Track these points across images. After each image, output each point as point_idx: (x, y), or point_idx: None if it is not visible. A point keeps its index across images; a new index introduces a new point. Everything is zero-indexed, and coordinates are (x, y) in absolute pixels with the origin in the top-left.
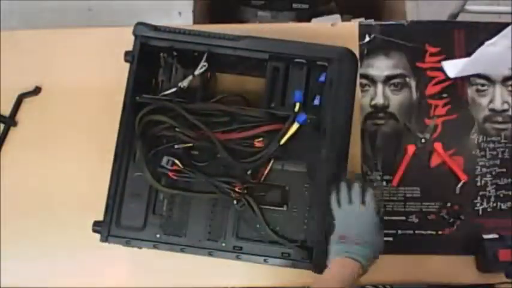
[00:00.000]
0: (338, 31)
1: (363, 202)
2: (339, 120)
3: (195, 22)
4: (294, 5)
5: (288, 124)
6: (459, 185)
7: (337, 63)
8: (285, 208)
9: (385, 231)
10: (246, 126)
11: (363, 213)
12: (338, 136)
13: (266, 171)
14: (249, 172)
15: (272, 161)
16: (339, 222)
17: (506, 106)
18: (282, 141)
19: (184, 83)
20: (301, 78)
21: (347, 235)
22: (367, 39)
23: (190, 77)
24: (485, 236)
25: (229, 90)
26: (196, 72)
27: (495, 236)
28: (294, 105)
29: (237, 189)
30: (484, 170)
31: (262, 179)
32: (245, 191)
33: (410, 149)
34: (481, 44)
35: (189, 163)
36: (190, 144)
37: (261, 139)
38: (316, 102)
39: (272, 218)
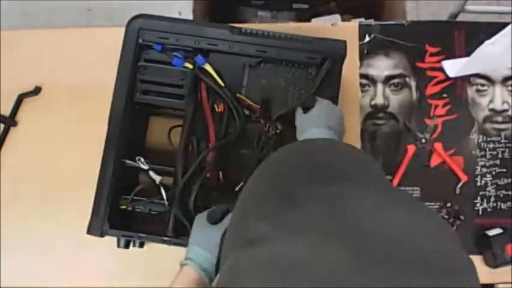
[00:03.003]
0: (338, 31)
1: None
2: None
3: None
4: (294, 5)
5: None
6: (459, 185)
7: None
8: None
9: None
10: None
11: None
12: None
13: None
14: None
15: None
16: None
17: (506, 106)
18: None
19: None
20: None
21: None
22: (367, 39)
23: None
24: (490, 233)
25: None
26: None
27: (499, 231)
28: None
29: None
30: (484, 170)
31: None
32: None
33: (410, 149)
34: (481, 43)
35: None
36: None
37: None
38: None
39: None
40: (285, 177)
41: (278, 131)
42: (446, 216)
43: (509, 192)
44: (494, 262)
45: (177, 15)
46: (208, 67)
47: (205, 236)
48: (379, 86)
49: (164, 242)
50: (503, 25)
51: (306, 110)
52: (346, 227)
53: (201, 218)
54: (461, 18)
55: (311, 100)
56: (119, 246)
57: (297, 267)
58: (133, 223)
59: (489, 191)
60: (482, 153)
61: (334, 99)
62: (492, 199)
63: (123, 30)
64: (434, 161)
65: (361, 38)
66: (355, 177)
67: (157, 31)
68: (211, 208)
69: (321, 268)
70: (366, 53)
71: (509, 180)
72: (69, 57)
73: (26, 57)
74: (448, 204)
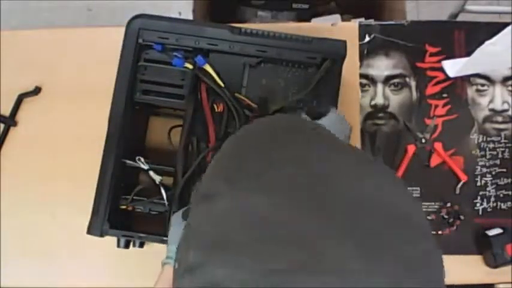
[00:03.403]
0: (338, 31)
1: None
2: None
3: None
4: (294, 5)
5: None
6: (459, 185)
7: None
8: None
9: None
10: None
11: None
12: None
13: None
14: None
15: None
16: None
17: (506, 106)
18: None
19: None
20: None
21: None
22: (367, 39)
23: None
24: (490, 233)
25: None
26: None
27: (499, 231)
28: None
29: None
30: (484, 170)
31: None
32: None
33: (410, 149)
34: (481, 43)
35: None
36: None
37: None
38: None
39: None
40: (251, 138)
41: None
42: (446, 216)
43: (509, 192)
44: (494, 262)
45: (177, 15)
46: (208, 67)
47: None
48: (379, 86)
49: (164, 242)
50: (503, 25)
51: (317, 117)
52: (313, 188)
53: (176, 217)
54: (461, 18)
55: (325, 108)
56: (118, 246)
57: (254, 219)
58: (133, 223)
59: (489, 191)
60: (482, 153)
61: (334, 99)
62: (492, 199)
63: (123, 30)
64: (434, 161)
65: (361, 38)
66: (322, 140)
67: (157, 31)
68: (187, 206)
69: (285, 225)
70: (366, 53)
71: (509, 180)
72: (69, 57)
73: (26, 57)
74: (448, 204)
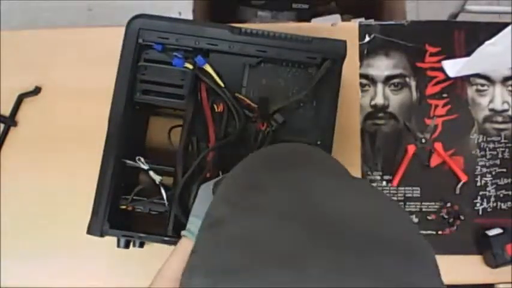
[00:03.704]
0: (338, 31)
1: None
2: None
3: None
4: (294, 5)
5: None
6: (459, 185)
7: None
8: None
9: None
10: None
11: None
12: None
13: None
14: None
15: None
16: None
17: (506, 106)
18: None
19: None
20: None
21: None
22: (367, 39)
23: None
24: (490, 233)
25: None
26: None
27: (499, 231)
28: None
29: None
30: (484, 170)
31: None
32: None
33: (411, 149)
34: (481, 43)
35: None
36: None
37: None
38: None
39: None
40: (249, 167)
41: (273, 128)
42: (446, 216)
43: (509, 192)
44: (494, 262)
45: (177, 15)
46: (208, 67)
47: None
48: (379, 86)
49: (164, 242)
50: (503, 25)
51: None
52: (305, 210)
53: (205, 188)
54: (461, 18)
55: None
56: (118, 246)
57: (255, 244)
58: (133, 223)
59: (489, 191)
60: (482, 153)
61: (334, 99)
62: (492, 199)
63: (123, 30)
64: (434, 161)
65: (361, 38)
66: (318, 166)
67: (157, 31)
68: (218, 178)
69: (278, 246)
70: (366, 53)
71: (509, 180)
72: (69, 57)
73: (26, 57)
74: (448, 204)
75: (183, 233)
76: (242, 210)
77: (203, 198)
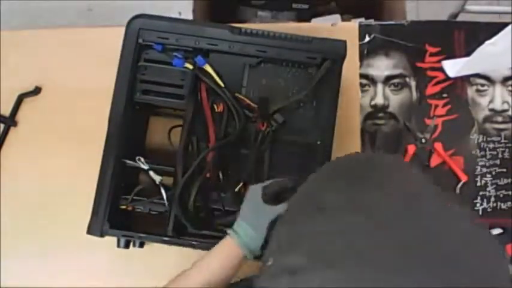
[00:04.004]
0: (338, 31)
1: None
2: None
3: None
4: (294, 5)
5: None
6: (459, 185)
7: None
8: None
9: None
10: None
11: None
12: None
13: None
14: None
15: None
16: None
17: (506, 106)
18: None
19: None
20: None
21: None
22: (367, 39)
23: None
24: None
25: None
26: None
27: (499, 231)
28: None
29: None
30: (484, 170)
31: None
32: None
33: (411, 149)
34: (481, 44)
35: None
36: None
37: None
38: None
39: None
40: (318, 187)
41: (273, 128)
42: None
43: (509, 192)
44: None
45: (177, 15)
46: (208, 67)
47: (256, 214)
48: (379, 86)
49: (164, 242)
50: (503, 25)
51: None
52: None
53: (255, 192)
54: (461, 18)
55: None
56: (118, 246)
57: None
58: (133, 223)
59: (489, 191)
60: (482, 153)
61: (334, 99)
62: (492, 199)
63: (123, 30)
64: (434, 161)
65: (361, 38)
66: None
67: (157, 31)
68: (268, 182)
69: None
70: (366, 53)
71: (509, 180)
72: (69, 57)
73: (26, 57)
74: None
75: (229, 231)
76: (316, 259)
77: (252, 203)
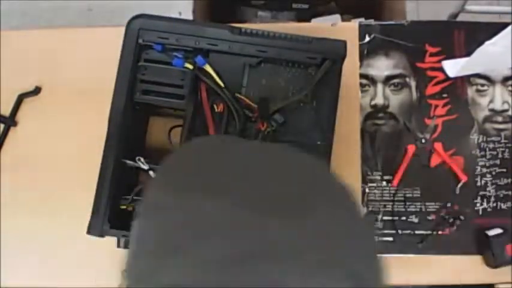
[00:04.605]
0: (338, 31)
1: None
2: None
3: None
4: (294, 5)
5: None
6: (459, 185)
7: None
8: None
9: (385, 231)
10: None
11: None
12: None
13: None
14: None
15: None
16: None
17: (506, 106)
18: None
19: None
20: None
21: None
22: (367, 39)
23: None
24: (490, 233)
25: None
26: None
27: (499, 231)
28: None
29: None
30: (484, 170)
31: None
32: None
33: (410, 149)
34: (481, 44)
35: None
36: None
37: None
38: None
39: None
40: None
41: (273, 128)
42: (446, 216)
43: (509, 192)
44: (494, 262)
45: (177, 15)
46: (208, 67)
47: None
48: (379, 86)
49: None
50: (503, 25)
51: None
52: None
53: None
54: (461, 18)
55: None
56: (118, 246)
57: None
58: None
59: (489, 191)
60: (482, 153)
61: (334, 99)
62: (492, 199)
63: (123, 30)
64: (434, 161)
65: (361, 38)
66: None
67: (157, 31)
68: None
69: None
70: (366, 53)
71: (509, 180)
72: (69, 57)
73: (26, 57)
74: (448, 204)
75: None
76: (187, 195)
77: None
